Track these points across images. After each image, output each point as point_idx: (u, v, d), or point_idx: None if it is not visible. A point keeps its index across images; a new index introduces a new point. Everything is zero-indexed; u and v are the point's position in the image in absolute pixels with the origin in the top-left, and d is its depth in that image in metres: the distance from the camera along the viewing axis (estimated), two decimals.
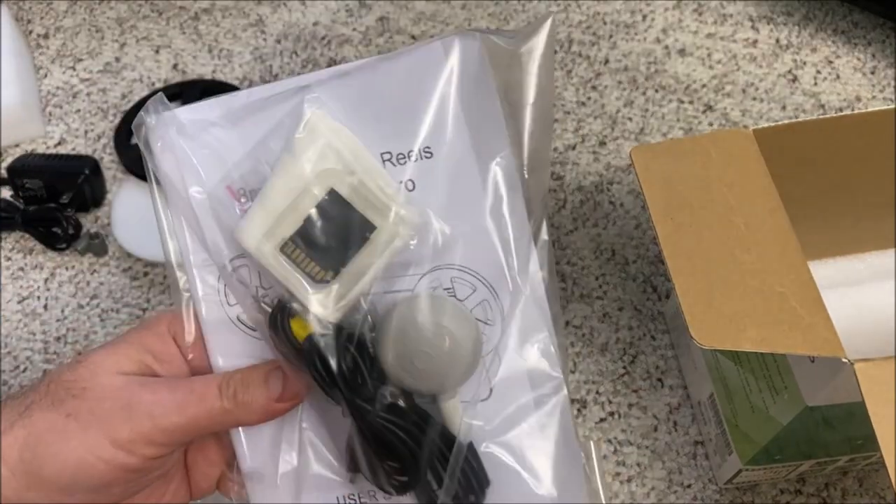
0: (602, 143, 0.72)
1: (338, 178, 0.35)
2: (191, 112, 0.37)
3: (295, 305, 0.35)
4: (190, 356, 0.38)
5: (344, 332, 0.35)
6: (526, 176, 0.37)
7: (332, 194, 0.35)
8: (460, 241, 0.37)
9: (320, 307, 0.35)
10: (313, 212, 0.35)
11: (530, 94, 0.37)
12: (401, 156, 0.37)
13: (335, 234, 0.35)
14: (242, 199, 0.37)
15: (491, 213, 0.37)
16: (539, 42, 0.36)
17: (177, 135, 0.37)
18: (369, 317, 0.36)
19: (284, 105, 0.36)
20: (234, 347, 0.38)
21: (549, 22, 0.36)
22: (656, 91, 0.75)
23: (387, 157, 0.37)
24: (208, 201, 0.37)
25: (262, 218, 0.35)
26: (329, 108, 0.36)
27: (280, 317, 0.36)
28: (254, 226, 0.35)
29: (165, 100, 0.37)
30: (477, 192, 0.37)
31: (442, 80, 0.36)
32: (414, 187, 0.37)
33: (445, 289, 0.37)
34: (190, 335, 0.38)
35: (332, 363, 0.34)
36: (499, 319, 0.38)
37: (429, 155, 0.37)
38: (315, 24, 0.81)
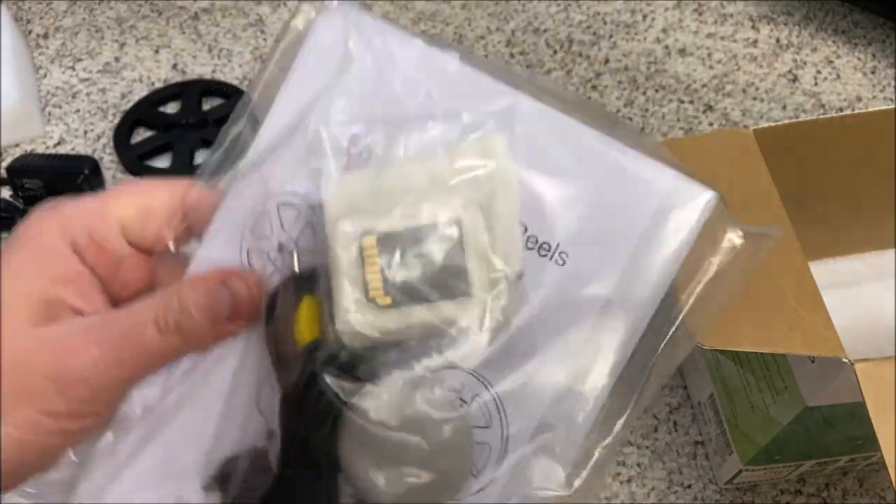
0: None
1: (473, 218, 0.28)
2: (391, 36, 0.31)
3: (316, 298, 0.29)
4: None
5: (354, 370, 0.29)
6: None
7: (456, 227, 0.28)
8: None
9: (353, 322, 0.28)
10: (423, 226, 0.28)
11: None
12: (544, 246, 0.30)
13: (424, 266, 0.28)
14: (352, 154, 0.30)
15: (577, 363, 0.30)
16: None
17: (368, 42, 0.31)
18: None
19: (492, 101, 0.30)
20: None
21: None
22: (656, 91, 0.75)
23: (531, 237, 0.30)
24: (322, 133, 0.30)
25: (363, 189, 0.29)
26: (525, 146, 0.29)
27: (292, 295, 0.29)
28: (347, 192, 0.29)
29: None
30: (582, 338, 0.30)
31: (669, 233, 0.29)
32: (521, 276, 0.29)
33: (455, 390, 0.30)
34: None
35: (327, 389, 0.28)
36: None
37: (561, 262, 0.30)
38: None
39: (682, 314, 0.30)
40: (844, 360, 0.39)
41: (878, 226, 0.60)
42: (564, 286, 0.29)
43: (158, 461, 0.31)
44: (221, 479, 0.31)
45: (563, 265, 0.30)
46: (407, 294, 0.28)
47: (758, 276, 0.42)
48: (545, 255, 0.30)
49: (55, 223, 0.30)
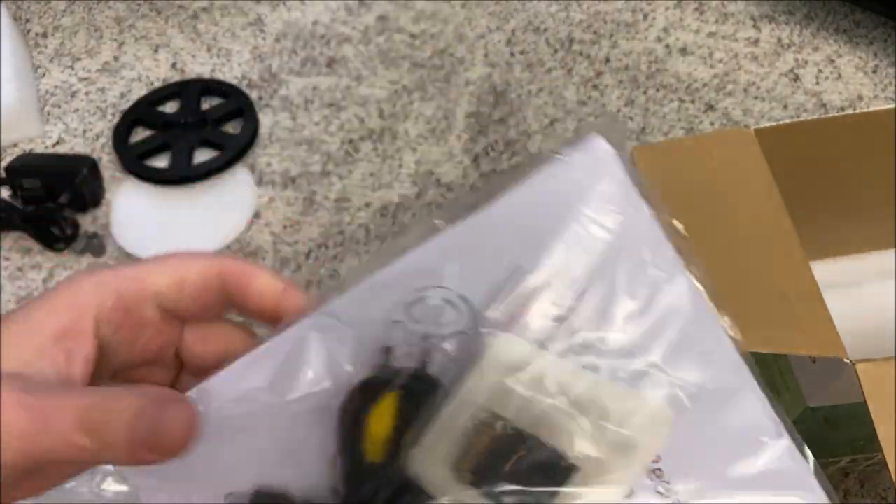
0: None
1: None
2: None
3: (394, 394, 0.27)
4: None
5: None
6: None
7: (576, 468, 0.27)
8: None
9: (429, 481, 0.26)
10: (550, 448, 0.27)
11: None
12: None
13: (518, 479, 0.26)
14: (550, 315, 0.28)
15: None
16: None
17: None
18: None
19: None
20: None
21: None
22: (657, 90, 0.75)
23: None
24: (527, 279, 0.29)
25: (521, 359, 0.27)
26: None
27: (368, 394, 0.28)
28: (510, 352, 0.27)
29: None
30: None
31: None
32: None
33: None
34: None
35: None
36: None
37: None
38: (314, 22, 0.81)
39: None
40: (845, 360, 0.38)
41: (878, 226, 0.60)
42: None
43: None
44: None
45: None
46: (489, 481, 0.26)
47: (758, 276, 0.42)
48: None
49: (88, 283, 0.30)
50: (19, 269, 0.65)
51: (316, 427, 0.29)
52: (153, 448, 0.28)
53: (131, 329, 0.31)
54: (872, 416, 0.36)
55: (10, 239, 0.67)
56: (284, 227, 0.67)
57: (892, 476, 0.36)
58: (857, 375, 0.37)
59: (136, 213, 0.68)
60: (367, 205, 0.68)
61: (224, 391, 0.29)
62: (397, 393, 0.28)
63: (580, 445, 0.27)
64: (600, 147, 0.30)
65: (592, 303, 0.29)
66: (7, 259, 0.66)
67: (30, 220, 0.66)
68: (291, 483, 0.29)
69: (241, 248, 0.66)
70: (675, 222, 0.30)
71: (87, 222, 0.68)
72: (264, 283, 0.31)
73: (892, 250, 0.62)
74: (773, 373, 0.47)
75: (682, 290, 0.30)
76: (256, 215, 0.68)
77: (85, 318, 0.30)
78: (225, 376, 0.30)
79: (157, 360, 0.33)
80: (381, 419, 0.28)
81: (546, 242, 0.29)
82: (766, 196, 0.46)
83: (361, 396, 0.28)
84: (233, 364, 0.30)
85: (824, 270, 0.61)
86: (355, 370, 0.28)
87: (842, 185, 0.56)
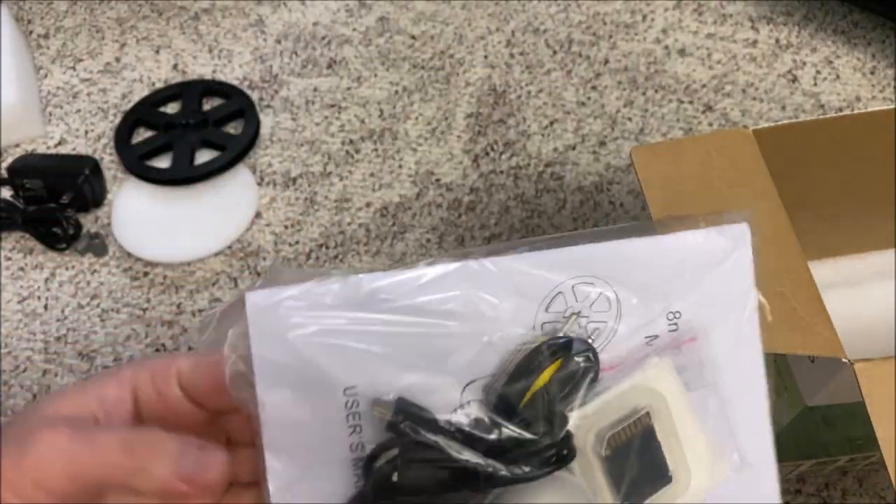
0: (602, 144, 0.72)
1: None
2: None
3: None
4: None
5: None
6: None
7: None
8: None
9: None
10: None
11: None
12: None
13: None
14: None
15: None
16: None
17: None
18: None
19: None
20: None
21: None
22: (656, 91, 0.75)
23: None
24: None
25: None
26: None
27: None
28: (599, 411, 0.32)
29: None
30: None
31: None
32: None
33: None
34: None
35: None
36: None
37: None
38: (315, 23, 0.81)
39: None
40: (844, 360, 0.39)
41: (878, 226, 0.60)
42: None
43: None
44: None
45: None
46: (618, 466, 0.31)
47: (758, 277, 0.42)
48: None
49: (128, 372, 0.33)
50: (21, 269, 0.66)
51: (466, 348, 0.31)
52: (194, 482, 0.30)
53: (164, 413, 0.33)
54: (871, 415, 0.37)
55: (12, 239, 0.67)
56: (285, 227, 0.67)
57: (891, 475, 0.36)
58: (856, 375, 0.38)
59: (138, 214, 0.68)
60: (368, 205, 0.69)
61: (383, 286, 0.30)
62: (564, 357, 0.30)
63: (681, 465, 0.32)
64: (744, 238, 0.33)
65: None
66: (9, 259, 0.66)
67: (32, 220, 0.66)
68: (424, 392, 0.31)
69: (243, 248, 0.66)
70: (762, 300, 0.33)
71: (88, 223, 0.68)
72: (185, 374, 0.33)
73: (891, 250, 0.62)
74: (771, 373, 0.48)
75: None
76: (257, 215, 0.68)
77: (124, 388, 0.33)
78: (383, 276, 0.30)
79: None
80: (546, 376, 0.30)
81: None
82: (765, 196, 0.46)
83: (549, 351, 0.30)
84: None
85: (823, 270, 0.61)
86: (516, 314, 0.31)
87: (840, 186, 0.56)
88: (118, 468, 0.30)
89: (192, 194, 0.69)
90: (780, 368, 0.47)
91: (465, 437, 0.29)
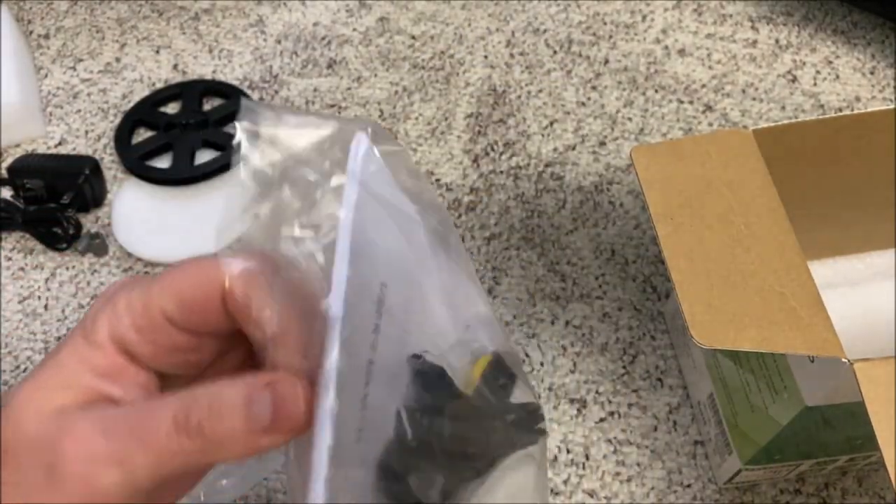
0: (602, 144, 0.72)
1: None
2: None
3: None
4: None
5: None
6: None
7: None
8: None
9: None
10: None
11: None
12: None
13: None
14: None
15: None
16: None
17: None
18: None
19: None
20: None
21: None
22: (656, 91, 0.75)
23: None
24: None
25: None
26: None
27: None
28: None
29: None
30: None
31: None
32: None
33: None
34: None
35: None
36: None
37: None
38: (315, 24, 0.81)
39: None
40: (844, 360, 0.39)
41: (878, 226, 0.60)
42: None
43: None
44: None
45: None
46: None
47: (756, 277, 0.42)
48: None
49: (106, 321, 0.29)
50: (21, 269, 0.66)
51: None
52: (277, 429, 0.25)
53: (165, 354, 0.29)
54: (870, 415, 0.37)
55: (13, 239, 0.67)
56: None
57: (891, 475, 0.36)
58: (856, 375, 0.38)
59: (138, 213, 0.68)
60: None
61: None
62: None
63: None
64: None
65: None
66: (9, 259, 0.66)
67: (32, 220, 0.66)
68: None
69: (243, 248, 0.66)
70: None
71: (89, 222, 0.68)
72: (265, 318, 0.29)
73: (891, 250, 0.62)
74: (771, 373, 0.48)
75: None
76: (258, 216, 0.68)
77: (111, 353, 0.29)
78: None
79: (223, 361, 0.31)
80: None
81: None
82: (765, 196, 0.46)
83: None
84: None
85: (823, 270, 0.61)
86: None
87: (840, 186, 0.56)
88: (185, 454, 0.25)
89: (192, 194, 0.69)
90: (780, 368, 0.47)
91: None
